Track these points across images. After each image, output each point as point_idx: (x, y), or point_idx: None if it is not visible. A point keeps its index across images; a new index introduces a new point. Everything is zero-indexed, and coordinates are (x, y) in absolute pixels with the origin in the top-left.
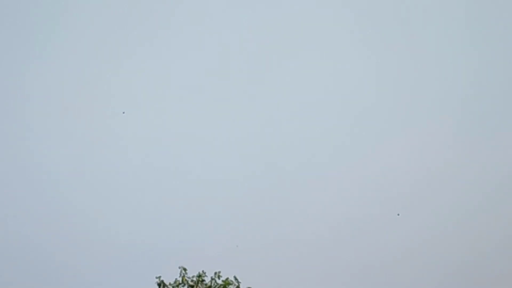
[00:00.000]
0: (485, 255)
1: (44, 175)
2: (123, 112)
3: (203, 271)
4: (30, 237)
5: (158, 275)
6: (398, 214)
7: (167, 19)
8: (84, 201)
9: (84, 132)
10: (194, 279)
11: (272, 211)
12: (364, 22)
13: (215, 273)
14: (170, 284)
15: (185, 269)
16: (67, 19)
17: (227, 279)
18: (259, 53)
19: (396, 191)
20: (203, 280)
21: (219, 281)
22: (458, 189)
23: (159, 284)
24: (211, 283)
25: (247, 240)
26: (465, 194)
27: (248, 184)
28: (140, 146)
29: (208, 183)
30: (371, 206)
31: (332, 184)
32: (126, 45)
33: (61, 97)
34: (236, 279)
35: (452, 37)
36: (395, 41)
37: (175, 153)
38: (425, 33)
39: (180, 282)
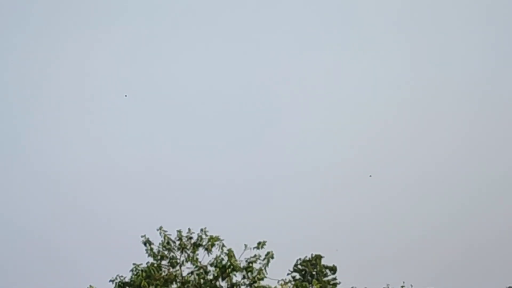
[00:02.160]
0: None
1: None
2: (125, 95)
3: (189, 228)
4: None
5: (143, 234)
6: (370, 176)
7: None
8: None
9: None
10: (180, 236)
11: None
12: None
13: (201, 230)
14: (159, 243)
15: (161, 228)
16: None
17: (215, 237)
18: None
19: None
20: (190, 238)
21: (206, 238)
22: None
23: (145, 243)
24: (198, 239)
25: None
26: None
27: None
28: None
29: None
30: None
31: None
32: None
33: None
34: (219, 239)
35: (460, 39)
36: (395, 45)
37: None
38: (430, 35)
39: (166, 241)
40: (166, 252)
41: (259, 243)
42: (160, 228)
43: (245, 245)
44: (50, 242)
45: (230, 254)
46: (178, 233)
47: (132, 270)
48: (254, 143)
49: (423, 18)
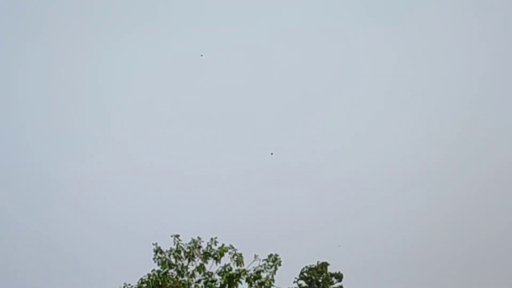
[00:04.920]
0: None
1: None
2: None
3: (198, 237)
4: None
5: (154, 242)
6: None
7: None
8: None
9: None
10: (191, 245)
11: None
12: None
13: (211, 239)
14: (167, 251)
15: (177, 236)
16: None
17: (223, 245)
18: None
19: None
20: (200, 246)
21: (216, 247)
22: None
23: (156, 251)
24: (208, 249)
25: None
26: None
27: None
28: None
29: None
30: None
31: None
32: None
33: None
34: (232, 247)
35: (458, 38)
36: (397, 41)
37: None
38: (429, 36)
39: (176, 249)
40: (173, 261)
41: (270, 256)
42: (177, 236)
43: (255, 255)
44: (60, 245)
45: (239, 260)
46: (192, 241)
47: (141, 279)
48: (262, 141)
49: (420, 18)
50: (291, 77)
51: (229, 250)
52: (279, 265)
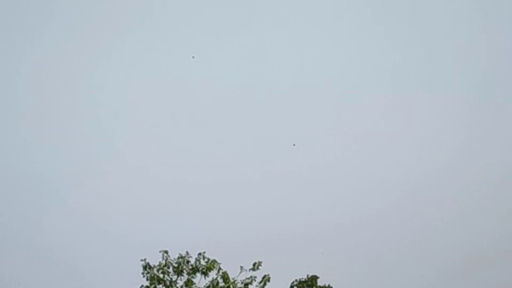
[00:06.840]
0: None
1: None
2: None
3: (187, 252)
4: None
5: (143, 258)
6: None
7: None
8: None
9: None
10: (179, 260)
11: None
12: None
13: (199, 254)
14: (155, 266)
15: (166, 252)
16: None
17: (209, 260)
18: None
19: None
20: (188, 261)
21: (203, 262)
22: None
23: (144, 267)
24: (196, 264)
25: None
26: None
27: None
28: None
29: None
30: None
31: None
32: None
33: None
34: (216, 262)
35: (457, 33)
36: (395, 36)
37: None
38: (429, 30)
39: (165, 264)
40: (161, 276)
41: (254, 264)
42: (166, 252)
43: (241, 267)
44: (49, 246)
45: (225, 277)
46: (180, 256)
47: None
48: (252, 146)
49: (422, 18)
50: (292, 80)
51: (215, 265)
52: (268, 281)
